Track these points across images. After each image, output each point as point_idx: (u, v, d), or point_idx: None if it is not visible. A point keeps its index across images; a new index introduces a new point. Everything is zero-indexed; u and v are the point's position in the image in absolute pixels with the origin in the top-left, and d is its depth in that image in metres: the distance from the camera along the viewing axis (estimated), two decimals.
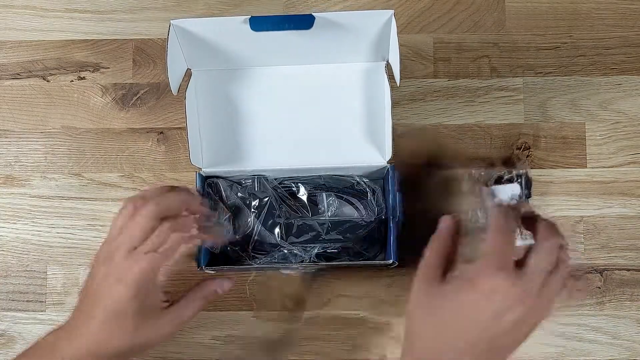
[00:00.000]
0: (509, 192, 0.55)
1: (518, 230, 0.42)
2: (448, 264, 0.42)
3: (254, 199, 0.52)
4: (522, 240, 0.42)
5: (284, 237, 0.51)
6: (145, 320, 0.43)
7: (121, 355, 0.43)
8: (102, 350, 0.43)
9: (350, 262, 0.52)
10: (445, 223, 0.44)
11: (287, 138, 0.54)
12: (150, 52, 0.59)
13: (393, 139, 0.51)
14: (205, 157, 0.54)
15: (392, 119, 0.58)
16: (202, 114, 0.53)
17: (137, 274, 0.42)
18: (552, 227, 0.43)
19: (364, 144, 0.54)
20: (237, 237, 0.52)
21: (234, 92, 0.54)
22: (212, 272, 0.52)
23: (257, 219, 0.51)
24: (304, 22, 0.47)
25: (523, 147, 0.58)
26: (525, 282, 0.39)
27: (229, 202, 0.52)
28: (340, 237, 0.52)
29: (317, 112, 0.54)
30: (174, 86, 0.50)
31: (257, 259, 0.51)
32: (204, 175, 0.53)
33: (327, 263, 0.52)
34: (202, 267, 0.50)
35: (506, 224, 0.41)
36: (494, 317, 0.39)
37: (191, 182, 0.58)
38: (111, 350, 0.43)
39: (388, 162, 0.52)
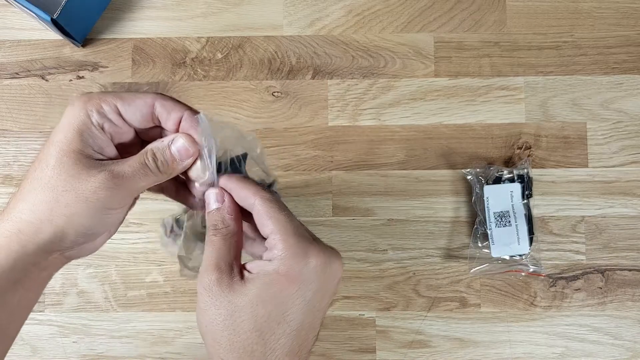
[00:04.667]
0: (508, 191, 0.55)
1: None
2: (236, 259, 0.35)
3: None
4: None
5: None
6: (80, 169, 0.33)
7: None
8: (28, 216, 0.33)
9: None
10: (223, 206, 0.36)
11: None
12: (150, 52, 0.59)
13: None
14: None
15: (393, 118, 0.58)
16: None
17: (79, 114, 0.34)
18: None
19: None
20: None
21: None
22: None
23: None
24: None
25: (524, 146, 0.58)
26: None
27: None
28: None
29: None
30: None
31: None
32: None
33: None
34: None
35: (278, 202, 0.35)
36: (320, 299, 0.34)
37: None
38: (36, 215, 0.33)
39: None
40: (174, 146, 0.35)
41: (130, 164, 0.34)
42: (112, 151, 0.35)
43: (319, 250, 0.33)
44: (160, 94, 0.36)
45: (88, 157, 0.33)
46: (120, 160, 0.34)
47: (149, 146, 0.35)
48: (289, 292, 0.33)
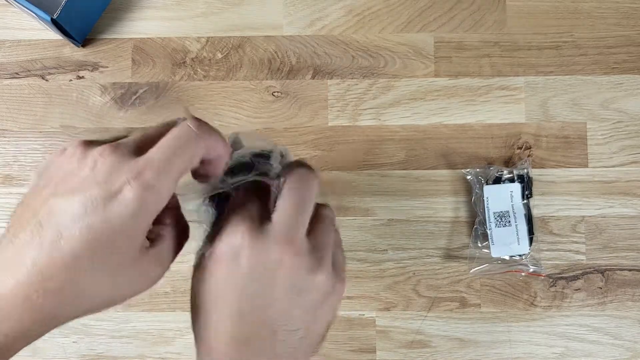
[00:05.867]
0: (508, 191, 0.55)
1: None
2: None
3: None
4: None
5: None
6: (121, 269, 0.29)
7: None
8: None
9: None
10: None
11: None
12: (150, 52, 0.59)
13: None
14: None
15: (393, 118, 0.58)
16: None
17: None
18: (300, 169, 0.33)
19: None
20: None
21: None
22: None
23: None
24: None
25: (524, 146, 0.58)
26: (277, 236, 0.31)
27: None
28: None
29: None
30: None
31: None
32: None
33: None
34: None
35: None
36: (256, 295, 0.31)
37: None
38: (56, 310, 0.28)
39: None
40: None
41: (167, 248, 0.31)
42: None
43: (250, 230, 0.31)
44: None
45: (142, 249, 0.29)
46: (161, 244, 0.31)
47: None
48: (218, 269, 0.31)
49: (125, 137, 0.30)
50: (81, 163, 0.28)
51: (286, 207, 0.32)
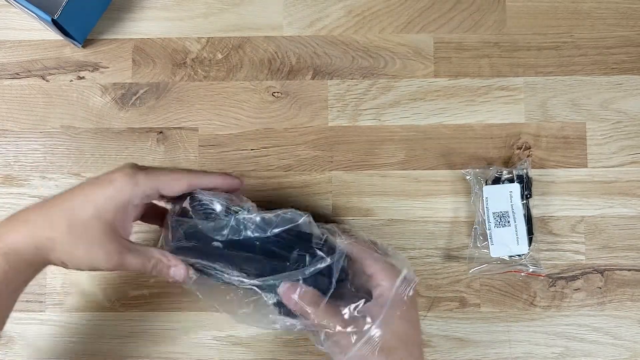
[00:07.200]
0: (507, 191, 0.55)
1: None
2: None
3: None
4: None
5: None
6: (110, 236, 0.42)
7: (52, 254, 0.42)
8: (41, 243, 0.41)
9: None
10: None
11: None
12: (150, 52, 0.59)
13: None
14: None
15: (393, 118, 0.58)
16: None
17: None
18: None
19: None
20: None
21: None
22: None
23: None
24: None
25: (524, 146, 0.58)
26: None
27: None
28: None
29: None
30: None
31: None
32: None
33: None
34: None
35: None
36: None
37: None
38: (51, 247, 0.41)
39: None
40: (173, 271, 0.45)
41: (136, 261, 0.43)
42: (130, 228, 0.44)
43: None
44: (199, 173, 0.46)
45: (113, 231, 0.42)
46: (131, 249, 0.43)
47: (155, 255, 0.44)
48: (406, 316, 0.45)
49: None
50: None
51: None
